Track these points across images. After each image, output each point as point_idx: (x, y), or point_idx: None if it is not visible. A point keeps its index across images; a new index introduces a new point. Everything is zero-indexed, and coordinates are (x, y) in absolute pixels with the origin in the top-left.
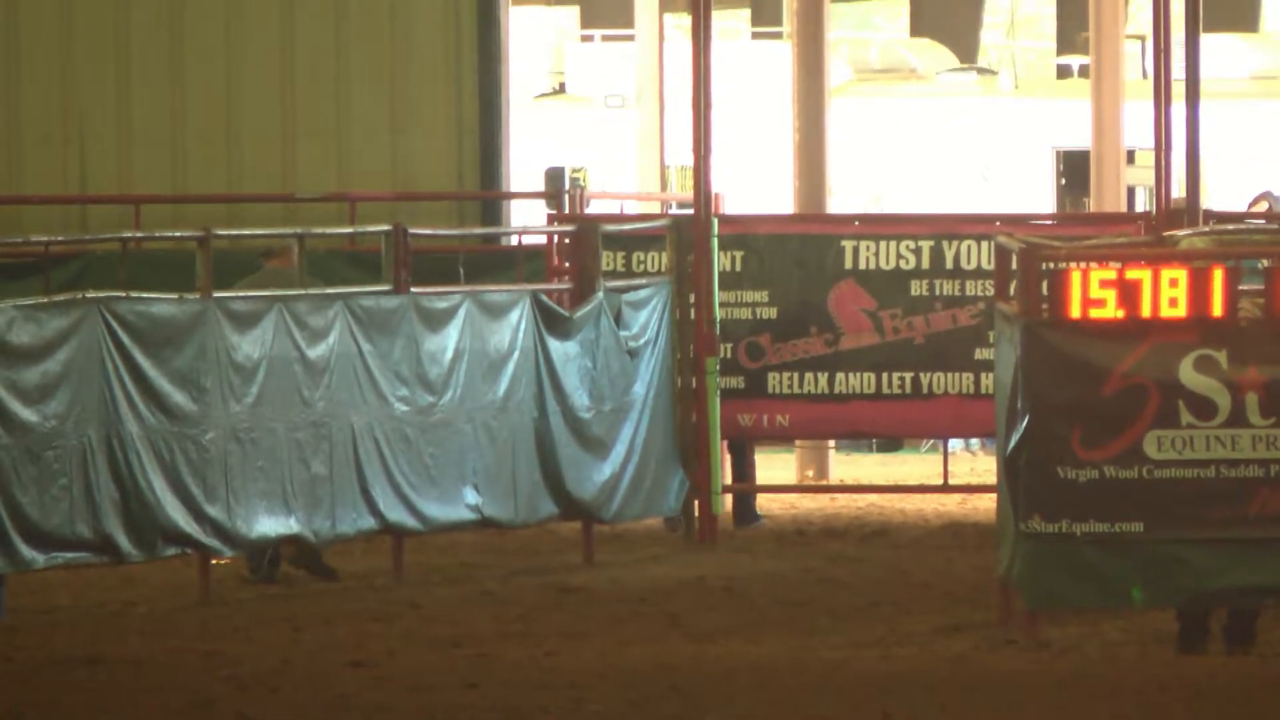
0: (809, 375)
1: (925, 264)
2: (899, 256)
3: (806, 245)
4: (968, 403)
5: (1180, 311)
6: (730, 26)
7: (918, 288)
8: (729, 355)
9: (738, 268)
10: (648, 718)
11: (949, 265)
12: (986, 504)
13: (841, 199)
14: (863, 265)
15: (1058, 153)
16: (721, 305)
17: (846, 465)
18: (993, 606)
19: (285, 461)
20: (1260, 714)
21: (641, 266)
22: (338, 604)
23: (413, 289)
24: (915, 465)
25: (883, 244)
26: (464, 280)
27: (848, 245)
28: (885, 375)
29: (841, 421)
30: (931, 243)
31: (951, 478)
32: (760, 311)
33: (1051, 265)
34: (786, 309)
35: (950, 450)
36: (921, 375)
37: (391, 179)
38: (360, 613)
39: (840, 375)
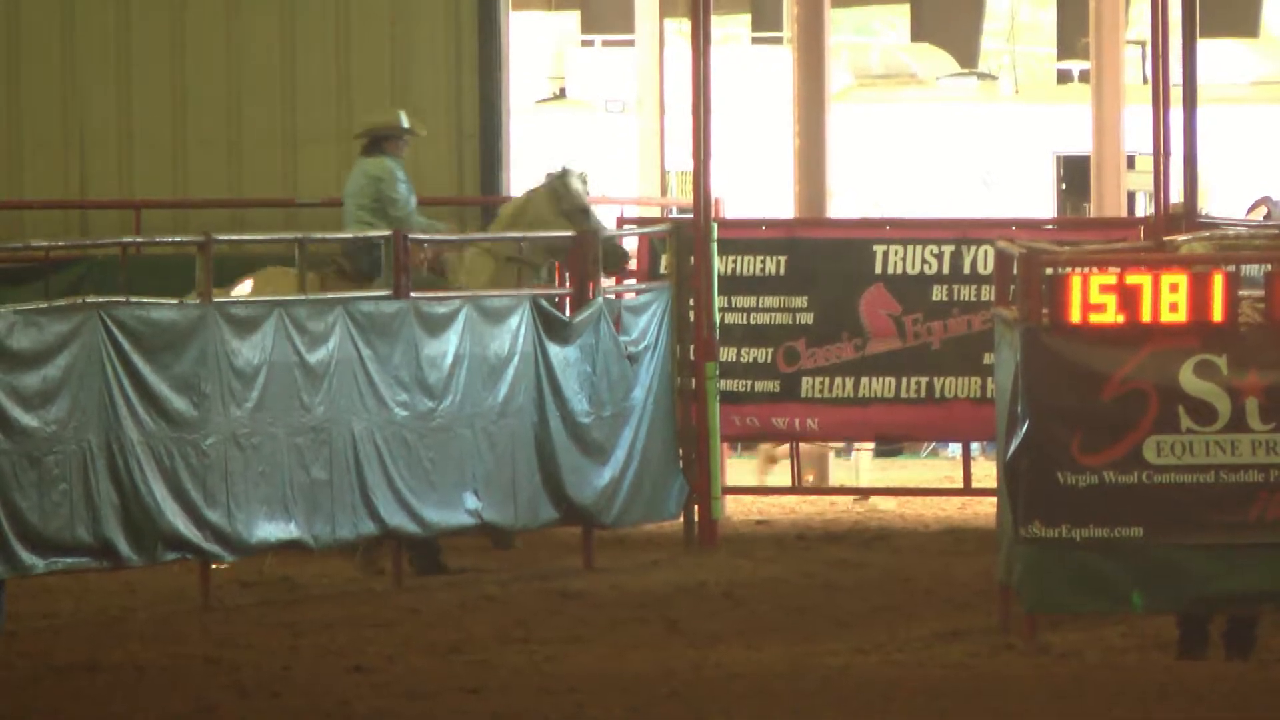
0: (838, 380)
1: (946, 269)
2: (923, 261)
3: (846, 250)
4: (978, 407)
5: (1180, 316)
6: (731, 31)
7: (939, 293)
8: (769, 360)
9: (782, 271)
10: None
11: (966, 270)
12: (986, 509)
13: (841, 204)
14: (891, 270)
15: (1058, 158)
16: (764, 310)
17: (846, 469)
18: (993, 612)
19: (285, 466)
20: (1260, 719)
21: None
22: (337, 609)
23: (412, 294)
24: (916, 470)
25: (910, 248)
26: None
27: (879, 250)
28: (904, 380)
29: (863, 425)
30: (953, 248)
31: (950, 482)
32: (799, 316)
33: (1052, 270)
34: (823, 314)
35: (950, 454)
36: (936, 379)
37: None
38: (360, 618)
39: (865, 379)
